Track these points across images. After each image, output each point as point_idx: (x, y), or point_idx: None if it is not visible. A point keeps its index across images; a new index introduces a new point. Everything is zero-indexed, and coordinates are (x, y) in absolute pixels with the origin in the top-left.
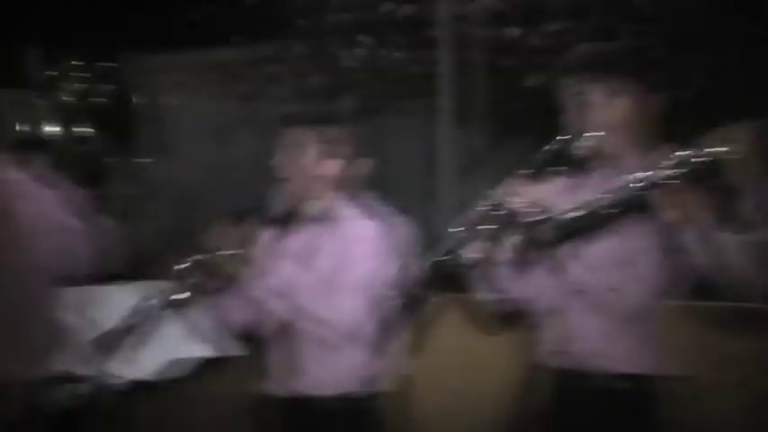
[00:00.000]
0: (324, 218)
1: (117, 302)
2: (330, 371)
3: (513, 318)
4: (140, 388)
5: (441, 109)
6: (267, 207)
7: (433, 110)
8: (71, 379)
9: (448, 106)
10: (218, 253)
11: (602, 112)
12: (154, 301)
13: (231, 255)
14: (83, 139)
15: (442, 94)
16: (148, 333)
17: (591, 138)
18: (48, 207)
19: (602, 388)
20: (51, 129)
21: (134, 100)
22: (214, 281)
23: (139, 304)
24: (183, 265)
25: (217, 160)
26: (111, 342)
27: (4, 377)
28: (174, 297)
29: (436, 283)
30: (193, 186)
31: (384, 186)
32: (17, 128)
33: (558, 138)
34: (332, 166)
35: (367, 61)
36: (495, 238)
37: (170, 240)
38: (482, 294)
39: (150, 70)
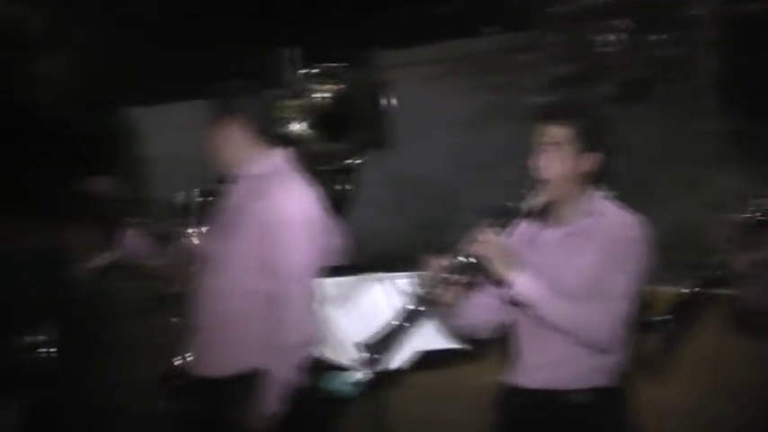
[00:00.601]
0: (583, 216)
1: (368, 295)
2: (581, 367)
3: None
4: (392, 378)
5: (699, 92)
6: (524, 205)
7: (691, 94)
8: (336, 368)
9: (706, 89)
10: (475, 255)
11: None
12: (416, 296)
13: (488, 257)
14: (330, 137)
15: (700, 76)
16: (408, 326)
17: None
18: (316, 205)
19: None
20: (301, 128)
21: (383, 96)
22: (469, 281)
23: (408, 299)
24: (439, 264)
25: (468, 153)
26: (385, 337)
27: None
28: (426, 292)
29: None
30: (443, 180)
31: (636, 177)
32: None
33: None
34: (590, 161)
35: (624, 46)
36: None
37: (420, 234)
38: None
39: (399, 65)
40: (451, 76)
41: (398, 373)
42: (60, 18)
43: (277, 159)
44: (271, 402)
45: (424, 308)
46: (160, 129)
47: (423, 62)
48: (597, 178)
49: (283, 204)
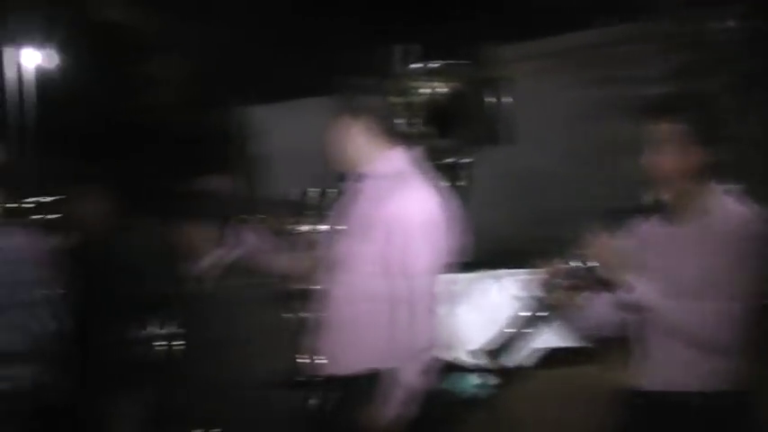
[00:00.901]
0: (702, 213)
1: (486, 293)
2: (701, 369)
3: None
4: (513, 377)
5: None
6: (639, 204)
7: None
8: (459, 369)
9: None
10: (591, 259)
11: None
12: (534, 299)
13: (603, 261)
14: (443, 133)
15: None
16: (527, 332)
17: None
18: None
19: None
20: (415, 126)
21: (496, 92)
22: (586, 284)
23: (525, 301)
24: (555, 268)
25: (582, 148)
26: (503, 343)
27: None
28: (544, 296)
29: None
30: (558, 175)
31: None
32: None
33: None
34: (706, 155)
35: (740, 35)
36: None
37: (535, 230)
38: None
39: (512, 60)
40: (564, 69)
41: (520, 370)
42: (175, 21)
43: (401, 158)
44: (395, 403)
45: (541, 311)
46: (278, 127)
47: (535, 56)
48: (717, 172)
49: (409, 206)
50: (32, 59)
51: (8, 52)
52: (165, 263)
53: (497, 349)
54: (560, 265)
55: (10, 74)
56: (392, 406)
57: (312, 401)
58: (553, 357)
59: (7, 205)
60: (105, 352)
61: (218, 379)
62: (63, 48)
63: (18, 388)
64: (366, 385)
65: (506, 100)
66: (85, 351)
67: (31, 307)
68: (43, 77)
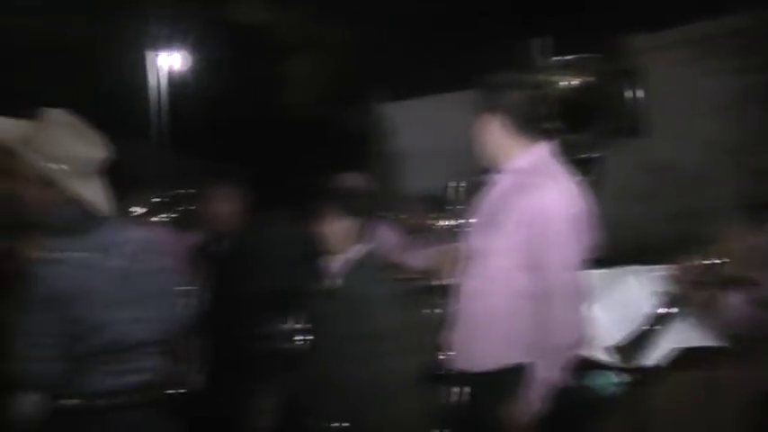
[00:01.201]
0: None
1: (624, 289)
2: None
3: None
4: (651, 376)
5: None
6: None
7: None
8: (597, 366)
9: None
10: (728, 256)
11: None
12: (670, 296)
13: (741, 259)
14: (579, 127)
15: None
16: (661, 329)
17: None
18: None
19: None
20: (552, 120)
21: (632, 84)
22: (723, 282)
23: (661, 298)
24: (691, 264)
25: (721, 139)
26: (637, 340)
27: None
28: (680, 293)
29: None
30: (697, 167)
31: None
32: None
33: None
34: None
35: None
36: None
37: (674, 223)
38: None
39: (648, 50)
40: (701, 58)
41: (657, 370)
42: (312, 19)
43: (541, 153)
44: (533, 399)
45: (677, 308)
46: (417, 123)
47: (671, 46)
48: None
49: (549, 200)
50: (173, 62)
51: (150, 56)
52: (301, 259)
53: (633, 347)
54: (694, 262)
55: (151, 77)
56: (531, 402)
57: (450, 397)
58: (690, 357)
59: (151, 201)
60: (239, 346)
61: (352, 374)
62: (202, 49)
63: (156, 379)
64: (504, 381)
65: (642, 92)
66: (219, 345)
67: (169, 300)
68: (183, 79)
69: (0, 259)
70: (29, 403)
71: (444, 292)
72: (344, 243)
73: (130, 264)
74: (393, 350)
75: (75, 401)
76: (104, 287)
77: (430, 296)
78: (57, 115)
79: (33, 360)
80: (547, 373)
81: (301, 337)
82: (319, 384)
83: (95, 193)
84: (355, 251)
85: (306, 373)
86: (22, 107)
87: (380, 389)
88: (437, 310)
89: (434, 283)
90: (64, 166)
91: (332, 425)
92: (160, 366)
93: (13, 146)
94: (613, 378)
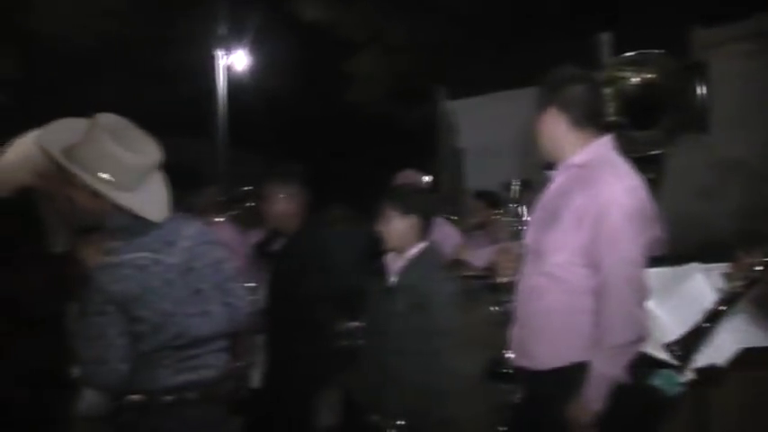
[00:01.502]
0: None
1: (688, 288)
2: None
3: None
4: (712, 376)
5: None
6: None
7: None
8: (658, 365)
9: None
10: None
11: None
12: (726, 293)
13: None
14: (642, 124)
15: None
16: (715, 327)
17: None
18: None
19: None
20: (614, 116)
21: (698, 79)
22: None
23: (719, 295)
24: (750, 260)
25: None
26: (692, 337)
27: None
28: (737, 290)
29: None
30: (757, 165)
31: None
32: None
33: None
34: None
35: None
36: None
37: (739, 221)
38: None
39: (714, 44)
40: (767, 52)
41: (719, 370)
42: (375, 16)
43: (602, 148)
44: (594, 398)
45: (734, 306)
46: (476, 120)
47: (737, 39)
48: None
49: (610, 195)
50: (236, 61)
51: (215, 55)
52: (362, 257)
53: (691, 344)
54: (754, 259)
55: (216, 76)
56: (592, 400)
57: (511, 396)
58: (751, 356)
59: (217, 200)
60: (299, 344)
61: (412, 372)
62: (266, 48)
63: (219, 375)
64: (565, 379)
65: (706, 87)
66: (280, 343)
67: (230, 293)
68: (247, 78)
69: (62, 265)
70: (94, 400)
71: (506, 289)
72: (406, 241)
73: (190, 260)
74: (454, 348)
75: (140, 397)
76: (164, 286)
77: (492, 294)
78: (107, 120)
79: (99, 362)
80: (608, 371)
81: (362, 335)
82: (380, 382)
83: (145, 200)
84: (416, 249)
85: (367, 370)
86: (90, 108)
87: (441, 387)
88: (499, 308)
89: (496, 281)
90: (110, 177)
91: (393, 423)
92: (223, 363)
93: (63, 157)
94: (675, 377)
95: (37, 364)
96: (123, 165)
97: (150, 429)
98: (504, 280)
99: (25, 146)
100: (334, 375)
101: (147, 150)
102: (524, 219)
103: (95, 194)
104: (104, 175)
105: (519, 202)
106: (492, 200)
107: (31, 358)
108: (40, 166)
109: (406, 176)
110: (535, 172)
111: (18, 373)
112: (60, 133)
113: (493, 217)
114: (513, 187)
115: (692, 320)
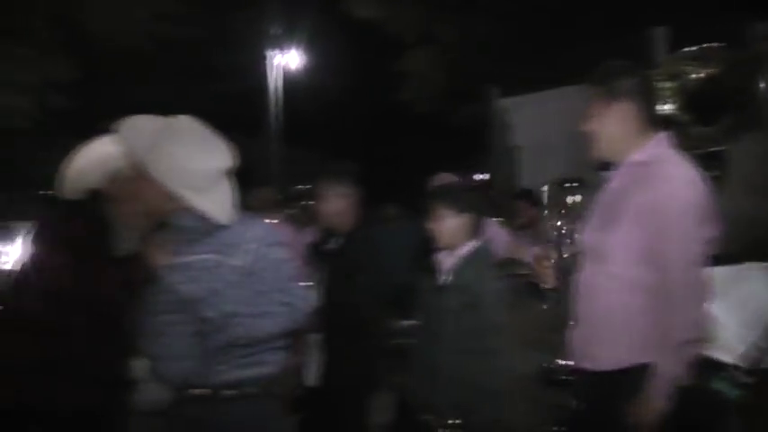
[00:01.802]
0: None
1: (749, 287)
2: None
3: None
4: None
5: None
6: None
7: None
8: (719, 366)
9: None
10: None
11: None
12: None
13: None
14: (702, 120)
15: None
16: None
17: None
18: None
19: None
20: (673, 111)
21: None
22: None
23: None
24: None
25: None
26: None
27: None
28: None
29: None
30: None
31: None
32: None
33: None
34: None
35: None
36: None
37: None
38: None
39: None
40: None
41: None
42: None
43: (660, 144)
44: (656, 399)
45: None
46: (529, 118)
47: None
48: None
49: (669, 192)
50: (290, 60)
51: (268, 55)
52: (414, 255)
53: (759, 348)
54: None
55: (270, 75)
56: (652, 402)
57: (569, 397)
58: None
59: (273, 199)
60: (353, 343)
61: (465, 371)
62: (318, 47)
63: (278, 372)
64: (626, 381)
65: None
66: (335, 341)
67: (291, 292)
68: (300, 77)
69: (130, 266)
70: (157, 395)
71: (553, 293)
72: (458, 239)
73: (254, 262)
74: (506, 347)
75: (203, 391)
76: (228, 288)
77: (545, 293)
78: (183, 123)
79: (164, 358)
80: (669, 372)
81: (414, 334)
82: (432, 381)
83: (216, 202)
84: (468, 247)
85: (419, 369)
86: (147, 108)
87: (493, 386)
88: (553, 308)
89: (551, 281)
90: (184, 181)
91: (446, 422)
92: (282, 360)
93: (136, 158)
94: (736, 380)
95: (109, 365)
96: (199, 167)
97: (212, 423)
98: (548, 286)
99: (97, 150)
100: (387, 374)
101: (220, 153)
102: (575, 219)
103: (171, 197)
104: (182, 178)
105: (555, 204)
106: (533, 199)
107: (104, 358)
108: (112, 170)
109: (442, 179)
110: (588, 170)
111: (92, 374)
112: (140, 136)
113: (537, 216)
114: (568, 185)
115: (752, 322)
